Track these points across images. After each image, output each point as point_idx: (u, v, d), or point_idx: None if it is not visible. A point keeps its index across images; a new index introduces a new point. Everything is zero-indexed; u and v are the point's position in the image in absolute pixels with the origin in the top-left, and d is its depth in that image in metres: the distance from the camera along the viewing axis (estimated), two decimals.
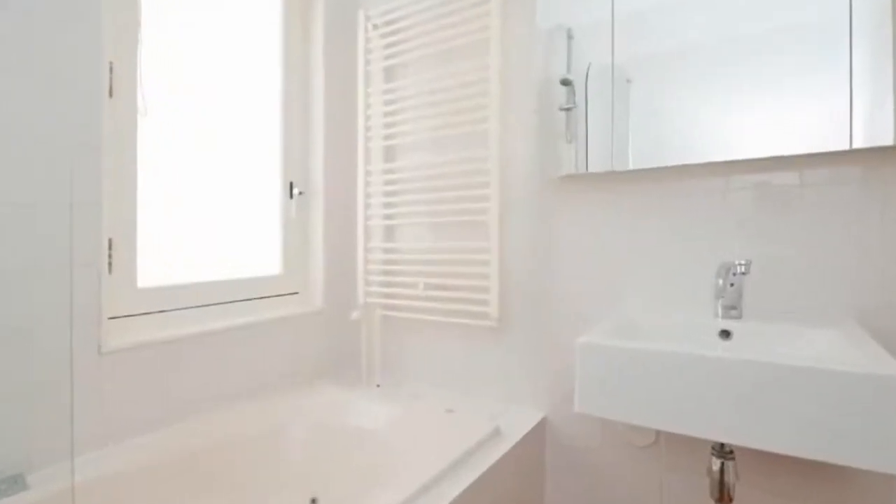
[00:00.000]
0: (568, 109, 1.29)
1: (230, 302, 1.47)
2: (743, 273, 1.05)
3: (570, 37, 1.30)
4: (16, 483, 0.97)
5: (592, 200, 1.33)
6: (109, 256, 1.18)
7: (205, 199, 1.44)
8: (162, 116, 1.32)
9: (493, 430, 1.22)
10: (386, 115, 1.66)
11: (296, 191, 1.68)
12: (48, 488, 0.97)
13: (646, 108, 1.19)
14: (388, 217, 1.68)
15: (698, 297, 1.19)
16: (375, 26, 1.67)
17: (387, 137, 1.67)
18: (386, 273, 1.67)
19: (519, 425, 1.31)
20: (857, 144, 0.97)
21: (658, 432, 1.24)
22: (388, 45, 1.66)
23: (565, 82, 1.28)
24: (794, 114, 1.03)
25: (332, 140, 1.71)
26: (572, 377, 1.35)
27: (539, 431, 1.35)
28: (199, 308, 1.39)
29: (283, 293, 1.64)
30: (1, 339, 0.98)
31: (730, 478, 1.01)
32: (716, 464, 1.02)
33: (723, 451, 1.02)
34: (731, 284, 1.08)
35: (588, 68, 1.27)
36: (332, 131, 1.72)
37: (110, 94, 1.18)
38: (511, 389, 1.46)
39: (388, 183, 1.67)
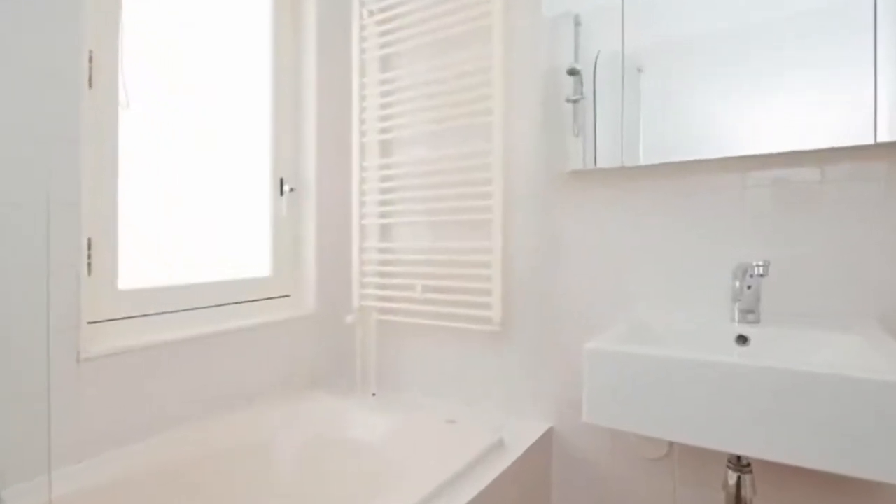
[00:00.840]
0: (575, 101, 1.29)
1: (217, 305, 1.47)
2: (761, 275, 1.05)
3: (577, 24, 1.30)
4: None
5: (601, 197, 1.33)
6: (89, 257, 1.17)
7: (190, 196, 1.43)
8: (144, 108, 1.32)
9: (496, 441, 1.22)
10: (382, 107, 1.66)
11: (286, 187, 1.67)
12: None
13: (657, 99, 1.19)
14: (384, 215, 1.68)
15: (712, 299, 1.19)
16: (371, 13, 1.66)
17: (383, 131, 1.67)
18: (382, 275, 1.67)
19: (524, 436, 1.31)
20: (882, 138, 0.97)
21: (671, 444, 1.24)
22: (384, 33, 1.65)
23: (572, 72, 1.28)
24: (816, 106, 1.03)
25: (325, 134, 1.71)
26: (580, 385, 1.35)
27: (545, 443, 1.35)
28: (184, 312, 1.38)
29: (273, 296, 1.64)
30: None
31: (747, 492, 1.01)
32: (732, 477, 1.01)
33: (739, 464, 1.01)
34: (749, 287, 1.07)
35: (597, 57, 1.27)
36: (325, 124, 1.71)
37: (90, 85, 1.18)
38: (515, 398, 1.46)
39: (384, 179, 1.67)
